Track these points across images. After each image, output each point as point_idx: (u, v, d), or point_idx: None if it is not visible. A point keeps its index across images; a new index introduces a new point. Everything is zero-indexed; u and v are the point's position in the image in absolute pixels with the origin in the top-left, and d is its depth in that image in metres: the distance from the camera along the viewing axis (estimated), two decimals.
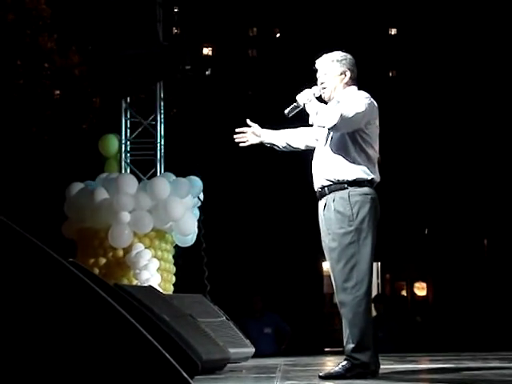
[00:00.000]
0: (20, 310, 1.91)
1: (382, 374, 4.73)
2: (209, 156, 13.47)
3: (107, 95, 11.80)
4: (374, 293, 13.65)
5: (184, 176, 8.80)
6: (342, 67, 4.93)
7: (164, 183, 8.51)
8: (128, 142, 9.20)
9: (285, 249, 15.58)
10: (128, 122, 9.24)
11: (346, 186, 4.75)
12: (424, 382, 4.93)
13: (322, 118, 4.74)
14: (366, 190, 4.75)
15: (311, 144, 5.13)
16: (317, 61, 5.01)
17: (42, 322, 1.91)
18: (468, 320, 15.29)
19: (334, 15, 19.17)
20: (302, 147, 5.24)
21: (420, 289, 18.99)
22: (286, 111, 5.01)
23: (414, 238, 17.58)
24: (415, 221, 17.55)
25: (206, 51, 21.47)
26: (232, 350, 5.98)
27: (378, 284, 17.52)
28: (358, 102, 4.74)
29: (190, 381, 1.95)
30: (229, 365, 5.84)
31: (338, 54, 4.97)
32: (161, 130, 9.21)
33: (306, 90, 4.93)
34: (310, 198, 5.08)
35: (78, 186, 8.62)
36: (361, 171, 4.76)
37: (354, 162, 4.77)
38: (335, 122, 4.64)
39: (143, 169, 9.16)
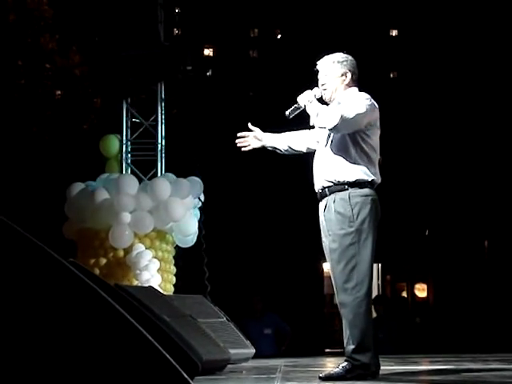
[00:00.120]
0: (21, 310, 1.91)
1: (382, 375, 4.73)
2: (209, 157, 13.46)
3: (108, 95, 11.80)
4: (375, 294, 13.65)
5: (185, 177, 8.80)
6: (342, 68, 4.93)
7: (165, 184, 8.52)
8: (129, 143, 9.20)
9: (285, 249, 15.57)
10: (129, 122, 9.24)
11: (346, 187, 4.76)
12: None
13: (323, 119, 4.74)
14: (366, 191, 4.76)
15: (312, 146, 5.14)
16: (318, 62, 5.01)
17: (43, 321, 1.91)
18: (468, 321, 15.28)
19: (335, 16, 19.17)
20: (304, 150, 5.24)
21: (420, 290, 18.97)
22: (287, 112, 5.01)
23: (414, 239, 17.56)
24: (416, 222, 17.53)
25: (207, 52, 21.48)
26: (232, 351, 5.98)
27: (378, 285, 17.51)
28: (358, 103, 4.74)
29: (190, 381, 1.95)
30: (229, 365, 5.84)
31: (339, 56, 4.98)
32: (162, 130, 9.21)
33: (307, 92, 4.93)
34: (311, 199, 5.08)
35: (78, 187, 8.62)
36: (361, 172, 4.76)
37: (354, 163, 4.77)
38: (336, 123, 4.65)
39: (144, 169, 9.16)
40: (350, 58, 4.99)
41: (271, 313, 11.02)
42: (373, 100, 4.84)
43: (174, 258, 8.92)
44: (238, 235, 15.32)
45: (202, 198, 9.02)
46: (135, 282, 8.14)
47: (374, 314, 9.61)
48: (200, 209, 9.06)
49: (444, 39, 18.37)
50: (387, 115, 5.30)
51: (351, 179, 4.76)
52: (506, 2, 15.82)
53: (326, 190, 4.82)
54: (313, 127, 5.02)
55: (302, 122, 5.01)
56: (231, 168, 14.66)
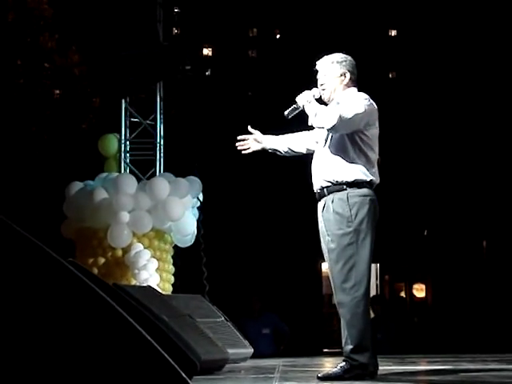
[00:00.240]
0: (19, 310, 1.91)
1: (380, 376, 4.74)
2: (208, 156, 13.46)
3: (107, 95, 11.81)
4: (373, 294, 13.65)
5: (183, 176, 8.80)
6: (341, 69, 4.93)
7: (163, 183, 8.51)
8: (127, 142, 9.20)
9: (284, 249, 15.57)
10: (128, 121, 9.24)
11: (344, 187, 4.76)
12: None
13: (321, 119, 4.75)
14: (364, 191, 4.76)
15: (312, 147, 5.14)
16: (317, 62, 5.02)
17: (41, 321, 1.91)
18: (467, 321, 15.29)
19: (334, 16, 19.16)
20: (304, 151, 5.25)
21: (419, 290, 18.97)
22: (286, 112, 5.02)
23: (413, 239, 17.56)
24: (414, 222, 17.54)
25: (206, 52, 21.46)
26: (231, 351, 5.98)
27: (376, 285, 17.51)
28: (357, 103, 4.75)
29: (189, 381, 1.95)
30: (227, 365, 5.84)
31: (338, 56, 4.98)
32: (160, 130, 9.21)
33: (306, 92, 4.94)
34: (310, 199, 5.08)
35: (77, 186, 8.63)
36: (360, 172, 4.77)
37: (352, 164, 4.78)
38: (334, 123, 4.65)
39: (143, 169, 9.16)
40: (349, 58, 5.00)
41: (269, 313, 11.02)
42: (371, 100, 4.85)
43: (173, 257, 8.91)
44: (237, 235, 15.33)
45: (201, 198, 9.02)
46: (134, 282, 8.13)
47: (372, 314, 9.60)
48: (199, 208, 9.06)
49: (443, 39, 18.37)
50: (386, 115, 5.30)
51: (349, 179, 4.76)
52: (506, 1, 15.82)
53: (325, 190, 4.83)
54: (312, 128, 5.03)
55: (301, 122, 5.01)
56: (230, 168, 14.65)
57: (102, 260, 8.37)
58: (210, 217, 9.51)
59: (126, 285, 6.97)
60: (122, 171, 9.04)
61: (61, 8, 13.55)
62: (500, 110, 16.46)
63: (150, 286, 7.05)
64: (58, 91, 14.42)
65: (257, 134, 5.37)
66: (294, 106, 4.97)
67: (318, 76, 5.00)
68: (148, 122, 9.22)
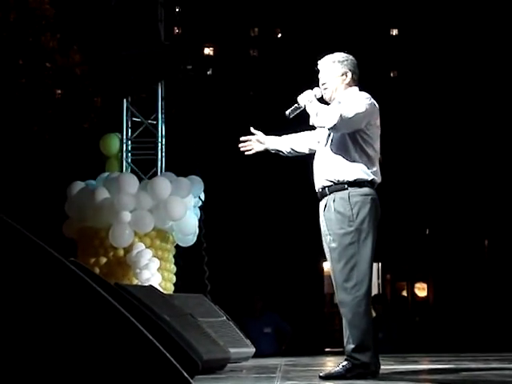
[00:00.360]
0: (21, 309, 1.91)
1: (382, 375, 4.73)
2: (210, 156, 13.47)
3: (108, 94, 11.81)
4: (375, 293, 13.64)
5: (185, 176, 8.80)
6: (343, 68, 4.93)
7: (165, 183, 8.52)
8: (129, 142, 9.20)
9: (285, 249, 15.58)
10: (129, 121, 9.24)
11: (346, 186, 4.76)
12: (424, 383, 4.93)
13: (322, 118, 4.75)
14: (366, 190, 4.76)
15: (314, 147, 5.13)
16: (319, 62, 5.02)
17: (43, 320, 1.91)
18: (469, 321, 15.29)
19: (335, 16, 19.16)
20: (306, 151, 5.24)
21: (421, 289, 18.98)
22: (287, 112, 5.02)
23: (414, 238, 17.57)
24: (416, 221, 17.54)
25: (208, 51, 21.47)
26: (232, 350, 5.98)
27: (378, 284, 17.51)
28: (358, 102, 4.75)
29: (191, 380, 1.95)
30: (229, 365, 5.84)
31: (340, 55, 4.98)
32: (162, 129, 9.21)
33: (307, 91, 4.94)
34: (311, 199, 5.08)
35: (78, 186, 8.63)
36: (361, 172, 4.77)
37: (354, 163, 4.77)
38: (335, 123, 4.65)
39: (144, 168, 9.17)
40: (350, 57, 5.00)
41: (271, 312, 11.02)
42: (373, 99, 4.85)
43: (174, 257, 8.92)
44: (239, 234, 15.33)
45: (202, 197, 9.02)
46: (135, 281, 8.14)
47: (374, 314, 9.60)
48: (200, 208, 9.06)
49: (444, 38, 18.37)
50: (387, 114, 5.30)
51: (351, 178, 4.76)
52: (507, 1, 15.81)
53: (326, 189, 4.83)
54: (314, 127, 5.03)
55: (302, 121, 5.01)
56: (232, 167, 14.65)
57: (103, 259, 8.38)
58: (211, 216, 9.51)
59: (127, 284, 6.98)
60: (124, 171, 9.04)
61: (62, 8, 13.56)
62: (501, 110, 16.45)
63: (151, 286, 7.05)
64: (59, 91, 14.43)
65: (259, 134, 5.37)
66: (296, 105, 4.97)
67: (320, 75, 4.99)
68: (149, 121, 9.22)
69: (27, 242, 1.95)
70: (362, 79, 5.00)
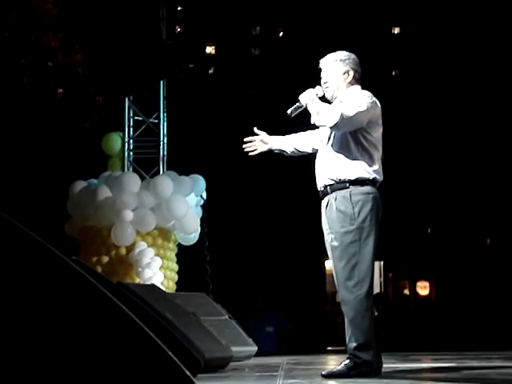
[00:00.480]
0: (23, 308, 1.92)
1: (384, 373, 4.73)
2: (212, 154, 13.47)
3: (110, 93, 11.80)
4: (376, 292, 13.65)
5: (187, 174, 8.81)
6: (345, 66, 4.93)
7: (167, 181, 8.52)
8: (131, 141, 9.21)
9: (288, 247, 15.59)
10: (131, 120, 9.25)
11: (347, 185, 4.76)
12: (427, 381, 4.93)
13: (323, 117, 4.75)
14: (367, 189, 4.76)
15: (317, 146, 5.13)
16: (320, 60, 5.01)
17: (46, 320, 1.92)
18: (471, 319, 15.29)
19: (337, 14, 19.16)
20: (309, 150, 5.24)
21: (423, 288, 18.99)
22: (289, 111, 5.02)
23: (416, 237, 17.57)
24: (418, 220, 17.55)
25: (209, 50, 21.47)
26: (234, 349, 5.98)
27: (380, 283, 17.52)
28: (359, 101, 4.75)
29: (193, 379, 1.95)
30: (231, 363, 5.84)
31: (342, 54, 4.98)
32: (164, 128, 9.22)
33: (309, 90, 4.93)
34: (313, 197, 5.08)
35: (80, 185, 8.63)
36: (363, 170, 4.77)
37: (355, 162, 4.77)
38: (336, 121, 4.65)
39: (146, 167, 9.17)
40: (352, 56, 4.99)
41: (273, 311, 11.03)
42: (374, 98, 4.84)
43: (177, 255, 8.92)
44: (241, 233, 15.34)
45: (205, 196, 9.03)
46: (137, 280, 8.14)
47: (375, 313, 9.60)
48: (202, 206, 9.07)
49: (446, 37, 18.36)
50: (389, 113, 5.30)
51: (352, 177, 4.76)
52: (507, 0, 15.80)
53: (328, 188, 4.83)
54: (316, 127, 5.03)
55: (304, 120, 5.01)
56: (234, 166, 14.66)
57: (105, 258, 8.39)
58: (213, 215, 9.51)
59: (129, 283, 6.98)
60: (126, 170, 9.05)
61: (64, 7, 13.57)
62: (503, 108, 16.44)
63: (153, 285, 7.05)
64: (61, 90, 14.43)
65: (263, 135, 5.37)
66: (297, 104, 4.97)
67: (322, 74, 4.99)
68: (151, 120, 9.23)
69: (29, 241, 1.95)
70: (363, 78, 5.00)
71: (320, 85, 4.97)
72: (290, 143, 5.31)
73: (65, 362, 1.91)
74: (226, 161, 14.79)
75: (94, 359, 1.91)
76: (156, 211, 8.44)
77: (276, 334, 10.72)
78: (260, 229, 15.52)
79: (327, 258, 4.98)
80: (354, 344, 4.64)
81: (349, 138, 4.79)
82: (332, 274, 4.87)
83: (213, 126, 15.51)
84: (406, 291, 19.19)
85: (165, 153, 9.19)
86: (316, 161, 5.01)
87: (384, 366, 4.77)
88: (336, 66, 4.94)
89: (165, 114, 9.23)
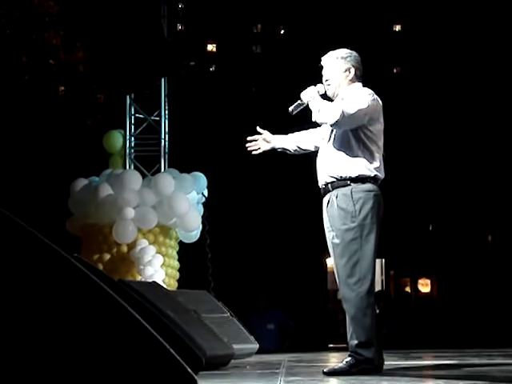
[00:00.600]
0: (25, 305, 1.92)
1: (386, 370, 4.74)
2: (213, 152, 13.46)
3: (111, 91, 11.80)
4: (378, 289, 13.64)
5: (188, 172, 8.81)
6: (346, 64, 4.93)
7: (168, 179, 8.52)
8: (132, 138, 9.21)
9: (289, 245, 15.57)
10: (132, 117, 9.26)
11: (348, 182, 4.76)
12: (428, 378, 4.93)
13: (324, 114, 4.75)
14: (368, 186, 4.76)
15: (320, 144, 5.14)
16: (322, 58, 5.02)
17: (48, 317, 1.92)
18: (472, 316, 15.28)
19: (338, 12, 19.15)
20: (312, 148, 5.24)
21: (424, 285, 18.99)
22: (290, 109, 5.02)
23: (418, 234, 17.57)
24: (419, 217, 17.54)
25: (211, 47, 21.48)
26: (236, 346, 5.98)
27: (382, 280, 17.52)
28: (360, 98, 4.75)
29: (195, 376, 1.96)
30: (233, 361, 5.85)
31: (343, 51, 4.98)
32: (165, 125, 9.22)
33: (310, 88, 4.93)
34: (315, 195, 5.09)
35: (82, 182, 8.64)
36: (364, 168, 4.77)
37: (356, 159, 4.77)
38: (337, 119, 4.66)
39: (147, 165, 9.17)
40: (353, 53, 4.99)
41: (275, 308, 11.03)
42: (375, 95, 4.84)
43: (178, 253, 8.93)
44: (242, 231, 15.34)
45: (206, 194, 9.03)
46: (139, 278, 8.15)
47: (377, 310, 9.60)
48: (203, 204, 9.07)
49: (447, 34, 18.35)
50: (391, 110, 5.30)
51: (353, 175, 4.76)
52: None
53: (329, 185, 4.83)
54: (319, 125, 5.03)
55: (305, 117, 5.01)
56: (235, 163, 14.65)
57: (107, 256, 8.39)
58: (214, 212, 9.51)
59: (131, 281, 6.98)
60: (127, 167, 9.05)
61: (66, 5, 13.56)
62: (505, 105, 16.43)
63: (155, 282, 7.05)
64: (62, 88, 14.43)
65: (266, 133, 5.37)
66: (299, 102, 4.97)
67: (323, 71, 4.99)
68: (153, 118, 9.23)
69: (31, 239, 1.95)
70: (365, 75, 5.00)
71: (321, 82, 4.97)
72: (293, 142, 5.32)
73: (67, 360, 1.91)
74: (227, 158, 14.79)
75: (96, 356, 1.91)
76: (157, 209, 8.45)
77: (277, 331, 10.72)
78: (261, 226, 15.51)
79: (329, 256, 4.98)
80: (356, 341, 4.65)
81: (350, 136, 4.79)
82: (333, 272, 4.87)
83: (214, 124, 15.50)
84: (408, 289, 19.19)
85: (166, 150, 9.19)
86: (317, 158, 5.02)
87: (385, 363, 4.77)
88: (337, 63, 4.94)
89: (166, 112, 9.23)
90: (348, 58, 4.95)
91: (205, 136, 12.75)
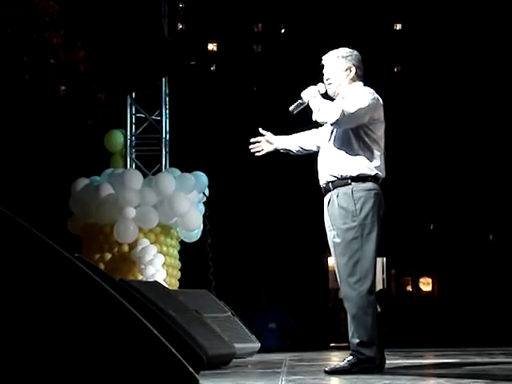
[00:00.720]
0: (26, 305, 1.92)
1: (387, 369, 4.74)
2: (214, 151, 13.46)
3: (112, 91, 11.81)
4: (379, 288, 13.64)
5: (189, 171, 8.81)
6: (347, 63, 4.93)
7: (169, 178, 8.52)
8: (133, 138, 9.21)
9: (290, 244, 15.58)
10: (133, 117, 9.25)
11: (349, 181, 4.77)
12: (429, 377, 4.93)
13: (324, 113, 4.75)
14: (369, 185, 4.76)
15: (322, 144, 5.14)
16: (323, 57, 5.02)
17: (49, 316, 1.92)
18: (473, 315, 15.28)
19: (339, 11, 19.15)
20: (315, 149, 5.24)
21: (425, 284, 18.98)
22: (291, 108, 5.02)
23: (419, 233, 17.56)
24: (420, 216, 17.54)
25: (211, 47, 21.48)
26: (237, 345, 5.99)
27: (383, 279, 17.52)
28: (361, 97, 4.75)
29: (196, 376, 1.96)
30: (234, 360, 5.85)
31: (344, 50, 4.98)
32: (166, 125, 9.21)
33: (311, 87, 4.94)
34: (316, 194, 5.09)
35: (83, 182, 8.64)
36: (364, 167, 4.77)
37: (357, 158, 4.78)
38: (337, 118, 4.66)
39: (148, 164, 9.17)
40: (354, 52, 4.99)
41: (276, 307, 11.03)
42: (376, 94, 4.84)
43: (179, 252, 8.93)
44: (243, 230, 15.34)
45: (207, 193, 9.03)
46: (140, 277, 8.15)
47: (378, 309, 9.59)
48: (205, 203, 9.07)
49: (448, 33, 18.35)
50: (391, 109, 5.30)
51: (354, 174, 4.76)
52: None
53: (330, 184, 4.84)
54: (320, 125, 5.03)
55: (305, 117, 5.01)
56: (236, 163, 14.66)
57: (108, 255, 8.39)
58: (216, 212, 9.51)
59: (132, 280, 6.98)
60: (128, 167, 9.05)
61: (66, 4, 13.56)
62: (505, 104, 16.42)
63: (156, 282, 7.06)
64: (63, 87, 14.43)
65: (268, 135, 5.37)
66: (299, 101, 4.97)
67: (324, 71, 5.00)
68: (153, 117, 9.23)
69: (32, 239, 1.95)
70: (365, 74, 5.00)
71: (322, 81, 4.97)
72: (296, 142, 5.32)
73: (68, 360, 1.91)
74: (228, 158, 14.79)
75: (98, 356, 1.91)
76: (158, 208, 8.45)
77: (279, 330, 10.71)
78: (262, 225, 15.52)
79: (330, 255, 4.98)
80: (357, 340, 4.65)
81: (350, 135, 4.79)
82: (334, 271, 4.87)
83: (215, 123, 15.51)
84: (409, 287, 19.18)
85: (167, 150, 9.19)
86: (318, 157, 5.02)
87: (387, 362, 4.77)
88: (338, 62, 4.94)
89: (167, 111, 9.23)
90: (349, 57, 4.95)
91: (206, 135, 12.75)
